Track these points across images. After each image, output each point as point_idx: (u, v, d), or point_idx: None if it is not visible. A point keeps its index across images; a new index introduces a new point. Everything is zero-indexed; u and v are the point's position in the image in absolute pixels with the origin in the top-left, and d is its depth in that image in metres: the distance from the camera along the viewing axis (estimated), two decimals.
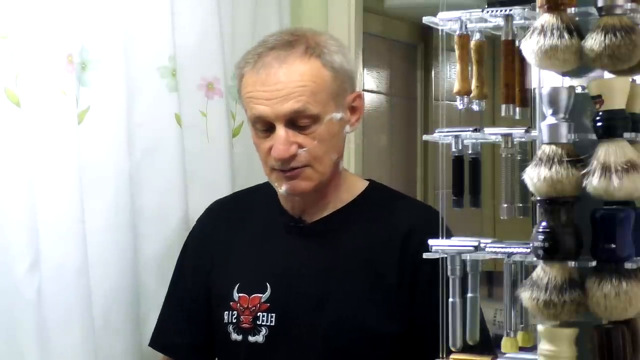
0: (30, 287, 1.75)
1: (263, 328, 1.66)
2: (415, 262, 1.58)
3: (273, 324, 1.65)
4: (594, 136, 1.26)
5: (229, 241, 1.77)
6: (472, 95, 1.46)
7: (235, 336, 1.69)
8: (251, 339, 1.67)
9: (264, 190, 1.75)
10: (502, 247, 1.38)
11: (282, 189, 1.64)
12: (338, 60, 1.63)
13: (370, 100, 3.58)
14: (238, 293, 1.69)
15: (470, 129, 1.43)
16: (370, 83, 3.59)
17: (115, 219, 1.96)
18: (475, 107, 1.46)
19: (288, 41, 1.62)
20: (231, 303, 1.69)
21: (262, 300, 1.66)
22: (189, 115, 2.13)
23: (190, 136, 2.13)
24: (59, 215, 1.81)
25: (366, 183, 1.75)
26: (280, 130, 1.58)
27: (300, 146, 1.59)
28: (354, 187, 1.72)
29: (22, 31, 1.77)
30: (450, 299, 1.41)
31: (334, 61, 1.62)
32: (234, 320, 1.68)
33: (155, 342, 1.85)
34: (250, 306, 1.67)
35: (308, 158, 1.60)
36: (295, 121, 1.59)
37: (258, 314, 1.66)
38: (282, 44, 1.61)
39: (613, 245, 1.24)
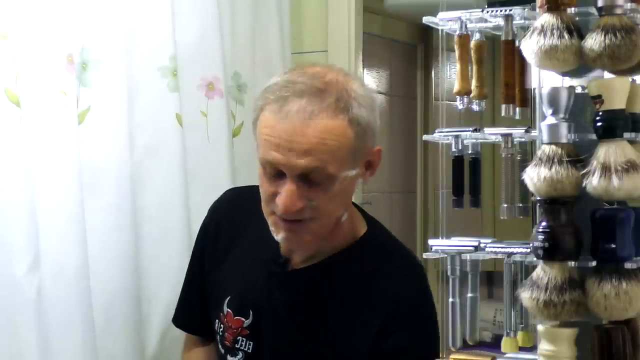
0: (30, 287, 1.75)
1: (240, 352, 1.65)
2: (385, 346, 1.53)
3: (250, 351, 1.63)
4: (594, 136, 1.26)
5: (231, 245, 1.73)
6: (472, 95, 1.46)
7: (220, 348, 1.69)
8: (230, 358, 1.67)
9: None
10: (502, 247, 1.38)
11: (278, 236, 1.56)
12: (365, 115, 1.52)
13: None
14: (227, 308, 1.67)
15: (470, 129, 1.44)
16: (370, 83, 3.59)
17: (115, 218, 1.96)
18: (475, 107, 1.46)
19: (318, 89, 1.50)
20: (221, 315, 1.68)
21: (244, 325, 1.64)
22: (190, 115, 2.13)
23: (191, 136, 2.13)
24: (59, 215, 1.80)
25: (363, 230, 1.65)
26: (291, 184, 1.49)
27: (310, 199, 1.50)
28: (350, 234, 1.63)
29: (22, 31, 1.77)
30: (450, 299, 1.42)
31: (361, 117, 1.51)
32: (221, 333, 1.69)
33: (175, 320, 1.84)
34: (233, 326, 1.66)
35: (314, 213, 1.51)
36: (309, 177, 1.49)
37: (238, 338, 1.65)
38: (310, 92, 1.49)
39: (613, 245, 1.24)
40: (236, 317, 1.66)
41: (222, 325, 1.68)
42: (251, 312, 1.64)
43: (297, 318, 1.62)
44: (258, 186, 1.65)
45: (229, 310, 1.67)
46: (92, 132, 1.92)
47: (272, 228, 1.57)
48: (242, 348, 1.64)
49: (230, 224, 1.75)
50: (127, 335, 1.98)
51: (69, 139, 1.83)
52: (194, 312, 1.81)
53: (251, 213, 1.69)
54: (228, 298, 1.68)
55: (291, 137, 1.48)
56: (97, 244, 1.91)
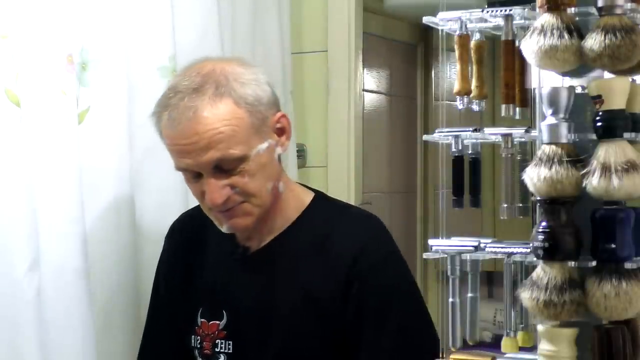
0: (30, 287, 1.74)
1: (222, 355, 1.65)
2: (358, 291, 1.57)
3: (231, 351, 1.64)
4: (594, 136, 1.27)
5: (192, 261, 1.75)
6: (472, 95, 1.46)
7: None
8: None
9: None
10: (502, 247, 1.38)
11: (223, 227, 1.61)
12: (251, 91, 1.56)
13: (370, 100, 3.58)
14: (200, 318, 1.68)
15: (470, 129, 1.44)
16: (370, 83, 3.59)
17: (115, 219, 1.96)
18: (475, 107, 1.46)
19: (197, 85, 1.54)
20: (196, 328, 1.68)
21: (220, 327, 1.65)
22: None
23: None
24: (59, 215, 1.80)
25: (310, 197, 1.69)
26: (209, 179, 1.54)
27: (232, 186, 1.55)
28: (298, 204, 1.67)
29: (22, 31, 1.77)
30: (450, 299, 1.42)
31: (247, 94, 1.55)
32: (198, 346, 1.68)
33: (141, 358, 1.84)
34: (209, 332, 1.66)
35: (243, 196, 1.56)
36: (222, 166, 1.54)
37: (217, 341, 1.65)
38: (190, 91, 1.53)
39: (613, 245, 1.24)
40: (211, 322, 1.66)
41: (198, 337, 1.68)
42: (224, 313, 1.65)
43: (269, 297, 1.63)
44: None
45: (202, 320, 1.68)
46: (91, 132, 1.92)
47: (216, 223, 1.62)
48: (222, 351, 1.65)
49: (189, 243, 1.77)
50: (127, 335, 1.98)
51: (68, 139, 1.83)
52: (162, 347, 1.79)
53: (204, 227, 1.72)
54: (200, 310, 1.68)
55: (188, 139, 1.53)
56: (97, 244, 1.91)
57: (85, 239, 1.85)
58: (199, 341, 1.68)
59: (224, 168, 1.54)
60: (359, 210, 1.77)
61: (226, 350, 1.65)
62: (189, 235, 1.79)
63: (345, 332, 1.58)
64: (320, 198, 1.72)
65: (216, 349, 1.66)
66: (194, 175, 1.58)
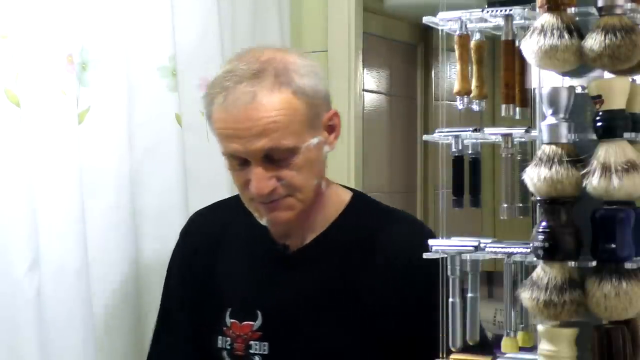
0: (30, 287, 1.75)
1: (256, 357, 1.62)
2: (409, 293, 1.57)
3: (266, 352, 1.61)
4: (594, 136, 1.26)
5: (212, 260, 1.71)
6: (472, 95, 1.46)
7: None
8: None
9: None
10: (502, 247, 1.38)
11: (263, 220, 1.59)
12: (310, 83, 1.54)
13: (370, 100, 3.58)
14: (230, 319, 1.65)
15: (470, 129, 1.44)
16: (370, 83, 3.59)
17: (115, 219, 1.96)
18: (475, 107, 1.46)
19: (255, 71, 1.51)
20: (224, 329, 1.65)
21: (254, 328, 1.62)
22: (189, 115, 2.13)
23: (191, 136, 2.13)
24: (59, 215, 1.81)
25: (349, 196, 1.68)
26: (257, 167, 1.52)
27: (279, 178, 1.53)
28: (338, 202, 1.66)
29: (22, 31, 1.77)
30: (450, 299, 1.41)
31: (306, 86, 1.53)
32: (228, 347, 1.64)
33: None
34: (242, 334, 1.63)
35: (288, 189, 1.54)
36: (272, 156, 1.52)
37: (250, 343, 1.62)
38: (249, 76, 1.51)
39: (613, 245, 1.24)
40: (244, 323, 1.63)
41: (228, 338, 1.64)
42: (259, 313, 1.62)
43: (312, 297, 1.61)
44: (224, 200, 1.66)
45: (233, 321, 1.64)
46: (91, 132, 1.92)
47: (255, 214, 1.60)
48: (257, 352, 1.61)
49: (207, 240, 1.73)
50: (127, 335, 1.98)
51: (68, 139, 1.83)
52: (175, 349, 1.76)
53: (227, 224, 1.69)
54: (229, 310, 1.65)
55: (241, 124, 1.50)
56: (97, 244, 1.91)
57: (85, 239, 1.85)
58: (228, 342, 1.64)
59: (273, 158, 1.52)
60: (400, 211, 1.74)
61: (261, 352, 1.61)
62: (206, 236, 1.75)
63: (391, 333, 1.56)
64: (359, 197, 1.70)
65: (250, 350, 1.62)
66: (240, 163, 1.54)
